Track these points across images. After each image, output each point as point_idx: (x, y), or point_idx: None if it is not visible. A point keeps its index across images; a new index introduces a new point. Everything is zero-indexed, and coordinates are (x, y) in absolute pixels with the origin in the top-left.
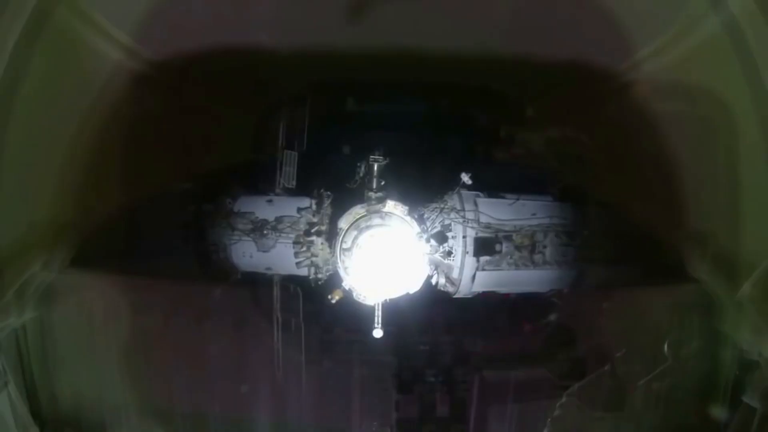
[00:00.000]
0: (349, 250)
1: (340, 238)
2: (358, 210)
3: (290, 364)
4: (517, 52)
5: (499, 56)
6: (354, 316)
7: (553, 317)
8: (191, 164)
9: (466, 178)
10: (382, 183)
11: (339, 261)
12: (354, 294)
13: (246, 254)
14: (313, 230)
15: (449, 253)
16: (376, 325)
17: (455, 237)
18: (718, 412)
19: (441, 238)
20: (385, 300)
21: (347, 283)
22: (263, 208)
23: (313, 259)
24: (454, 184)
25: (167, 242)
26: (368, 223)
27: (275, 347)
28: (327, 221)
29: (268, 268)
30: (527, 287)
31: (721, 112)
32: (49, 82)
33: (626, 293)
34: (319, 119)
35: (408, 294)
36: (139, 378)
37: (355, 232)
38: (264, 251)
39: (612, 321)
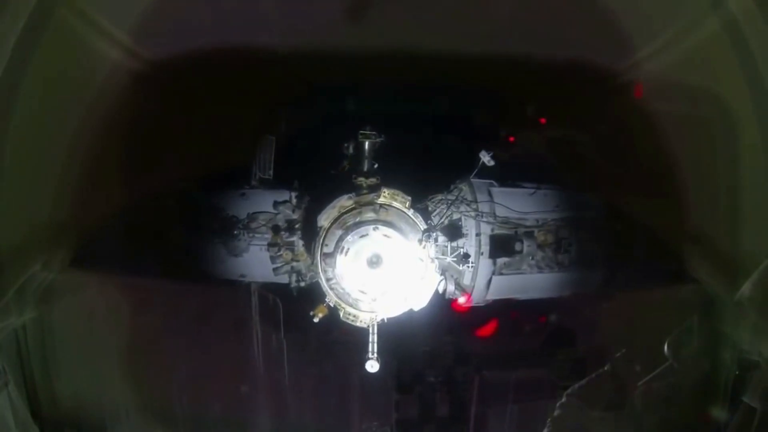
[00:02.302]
0: (331, 255)
1: (321, 240)
2: (344, 202)
3: (289, 364)
4: (516, 52)
5: (498, 56)
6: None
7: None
8: (191, 164)
9: (487, 157)
10: (375, 166)
11: (320, 269)
12: (341, 313)
13: (217, 259)
14: (291, 229)
15: (466, 257)
16: (370, 355)
17: (467, 235)
18: (718, 412)
19: (454, 234)
20: (382, 320)
21: (331, 298)
22: (235, 204)
23: (294, 264)
24: (463, 170)
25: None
26: (357, 219)
27: (273, 348)
28: (305, 217)
29: (242, 275)
30: (550, 292)
31: (721, 112)
32: (49, 82)
33: (626, 293)
34: (307, 106)
35: (411, 312)
36: (139, 378)
37: (339, 232)
38: (235, 255)
39: (612, 321)
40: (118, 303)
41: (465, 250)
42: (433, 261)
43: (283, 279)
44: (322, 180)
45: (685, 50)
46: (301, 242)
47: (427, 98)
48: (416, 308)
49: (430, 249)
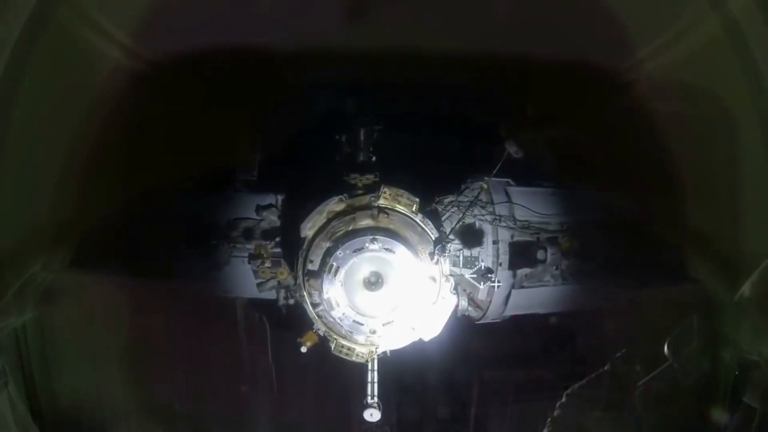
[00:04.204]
0: (317, 275)
1: (304, 255)
2: (333, 205)
3: (289, 365)
4: (515, 51)
5: (497, 56)
6: None
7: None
8: (191, 164)
9: (513, 148)
10: (374, 159)
11: (304, 291)
12: (332, 345)
13: (197, 271)
14: (269, 239)
15: (489, 272)
16: (369, 400)
17: (483, 242)
18: (718, 412)
19: (472, 241)
20: (384, 353)
21: (319, 326)
22: (216, 209)
23: (281, 278)
24: (464, 169)
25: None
26: (351, 228)
27: (271, 349)
28: (288, 225)
29: (225, 291)
30: (574, 305)
31: (721, 112)
32: (49, 82)
33: (627, 293)
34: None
35: (421, 341)
36: (139, 378)
37: (326, 244)
38: (215, 268)
39: (612, 321)
40: (118, 303)
41: (485, 264)
42: (448, 279)
43: (270, 295)
44: (310, 179)
45: (685, 50)
46: (281, 256)
47: (425, 98)
48: (427, 338)
49: (444, 264)
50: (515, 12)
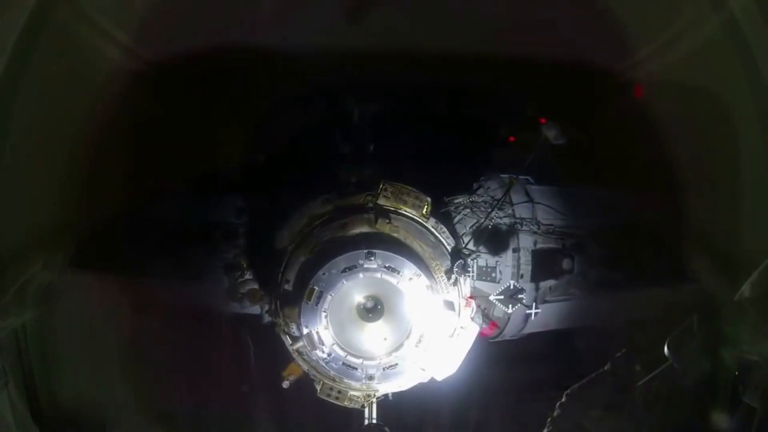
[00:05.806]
0: (293, 301)
1: (281, 272)
2: (316, 208)
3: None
4: (516, 51)
5: (497, 56)
6: None
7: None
8: (191, 165)
9: (552, 132)
10: (371, 148)
11: (280, 317)
12: (318, 387)
13: (169, 283)
14: (234, 246)
15: (519, 293)
16: None
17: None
18: (718, 412)
19: (497, 246)
20: (385, 396)
21: (301, 364)
22: (191, 211)
23: (253, 302)
24: (488, 163)
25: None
26: (339, 235)
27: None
28: (259, 234)
29: (205, 304)
30: (601, 320)
31: (721, 112)
32: (49, 82)
33: (627, 293)
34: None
35: (432, 381)
36: (139, 378)
37: (305, 259)
38: (188, 279)
39: (612, 321)
40: (118, 303)
41: (503, 274)
42: (468, 303)
43: (252, 309)
44: (293, 175)
45: (685, 50)
46: (254, 274)
47: (425, 98)
48: (440, 378)
49: (465, 285)
50: (516, 12)
